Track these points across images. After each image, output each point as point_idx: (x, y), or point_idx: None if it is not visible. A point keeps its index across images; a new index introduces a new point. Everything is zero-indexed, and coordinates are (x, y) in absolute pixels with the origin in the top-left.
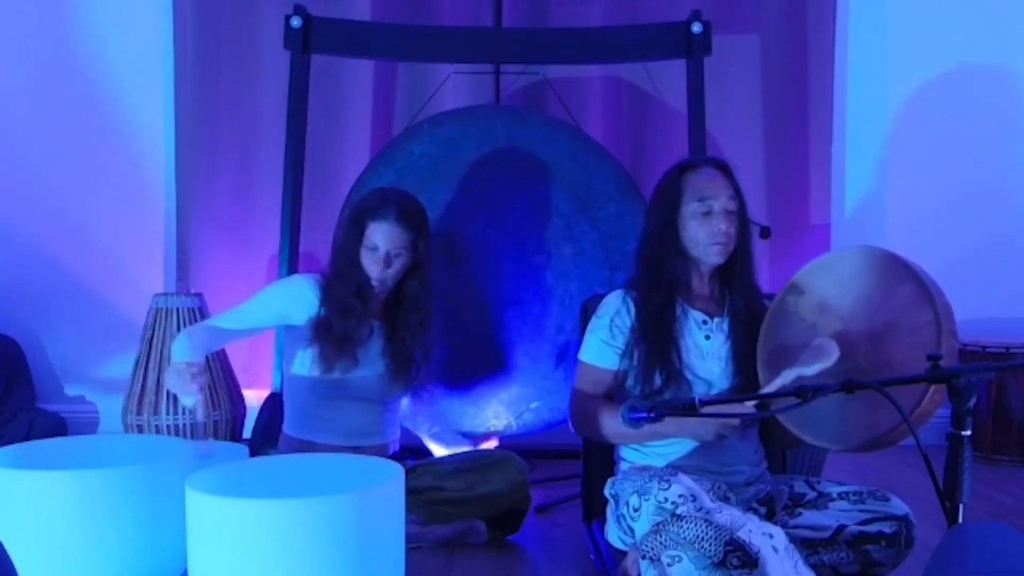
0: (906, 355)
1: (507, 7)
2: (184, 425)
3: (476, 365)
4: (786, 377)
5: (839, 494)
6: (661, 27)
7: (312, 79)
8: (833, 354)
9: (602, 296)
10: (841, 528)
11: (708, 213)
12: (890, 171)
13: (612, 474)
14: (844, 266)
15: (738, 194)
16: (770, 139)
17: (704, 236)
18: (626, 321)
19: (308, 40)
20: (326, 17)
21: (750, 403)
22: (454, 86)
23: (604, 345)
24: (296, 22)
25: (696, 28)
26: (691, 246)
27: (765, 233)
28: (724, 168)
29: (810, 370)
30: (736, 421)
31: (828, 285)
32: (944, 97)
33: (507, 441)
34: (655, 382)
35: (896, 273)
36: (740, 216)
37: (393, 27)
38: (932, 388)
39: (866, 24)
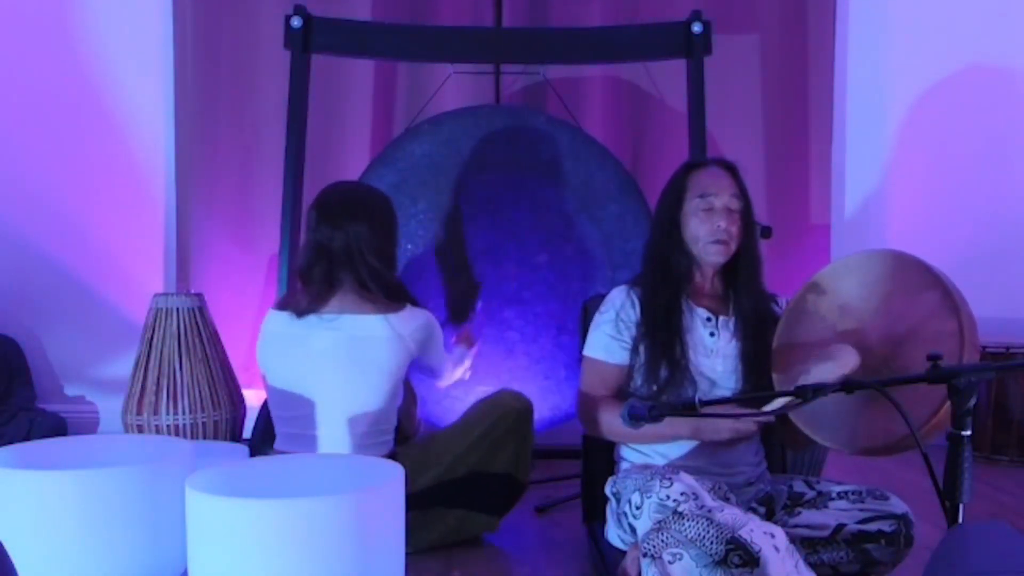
0: (926, 363)
1: (507, 7)
2: (184, 425)
3: (477, 365)
4: (794, 383)
5: (838, 493)
6: (661, 27)
7: (312, 79)
8: (851, 362)
9: (603, 296)
10: (840, 527)
11: (709, 210)
12: (890, 171)
13: (612, 474)
14: (869, 268)
15: (743, 195)
16: (770, 139)
17: (704, 233)
18: (631, 316)
19: (308, 40)
20: (326, 17)
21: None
22: (454, 86)
23: (610, 340)
24: (296, 22)
25: (696, 28)
26: (692, 243)
27: (766, 233)
28: (731, 168)
29: (819, 376)
30: (752, 425)
31: (851, 286)
32: (944, 97)
33: None
34: (660, 378)
35: (922, 279)
36: (744, 217)
37: (393, 27)
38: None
39: (866, 24)
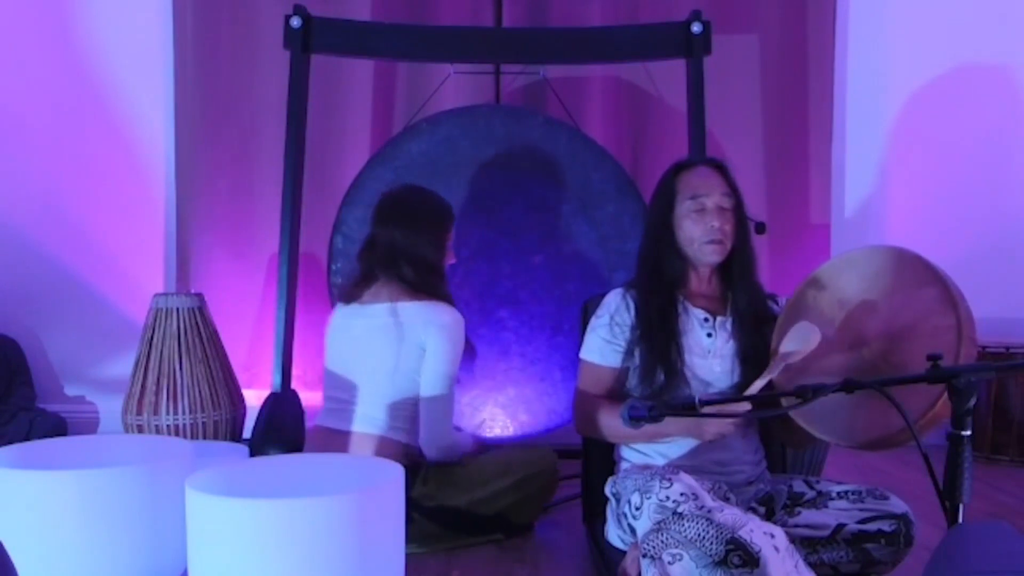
0: (923, 358)
1: (507, 7)
2: (184, 425)
3: (473, 366)
4: (775, 368)
5: (838, 493)
6: (661, 27)
7: (312, 79)
8: (814, 338)
9: (602, 296)
10: (840, 527)
11: (702, 210)
12: (890, 171)
13: (612, 474)
14: (869, 264)
15: (734, 192)
16: (770, 139)
17: (699, 234)
18: (626, 319)
19: (308, 40)
20: (326, 17)
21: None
22: (454, 86)
23: (605, 343)
24: (296, 22)
25: (696, 28)
26: (686, 245)
27: (760, 228)
28: (719, 167)
29: (818, 371)
30: (739, 419)
31: (851, 282)
32: (944, 97)
33: (507, 443)
34: (657, 380)
35: (921, 275)
36: (737, 214)
37: (393, 27)
38: (946, 393)
39: (866, 24)
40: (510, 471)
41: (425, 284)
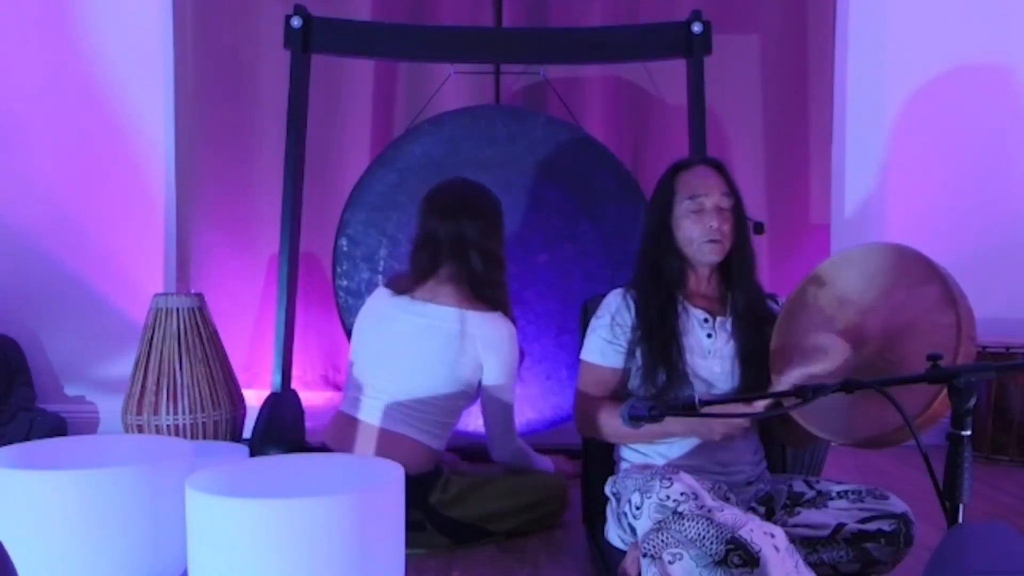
0: (922, 356)
1: (507, 7)
2: (184, 425)
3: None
4: (793, 377)
5: (838, 493)
6: (661, 27)
7: (312, 79)
8: (843, 353)
9: (603, 296)
10: (840, 526)
11: (700, 210)
12: (890, 171)
13: (612, 474)
14: (870, 261)
15: (733, 192)
16: (770, 139)
17: (697, 234)
18: (627, 319)
19: (308, 40)
20: (326, 17)
21: (753, 403)
22: (454, 86)
23: (606, 344)
24: (296, 22)
25: (696, 28)
26: (685, 245)
27: (759, 228)
28: (718, 167)
29: (818, 368)
30: (745, 422)
31: (852, 279)
32: (944, 96)
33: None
34: (658, 381)
35: (922, 273)
36: (736, 214)
37: (393, 27)
38: (944, 391)
39: (866, 24)
40: (523, 491)
41: (489, 284)
